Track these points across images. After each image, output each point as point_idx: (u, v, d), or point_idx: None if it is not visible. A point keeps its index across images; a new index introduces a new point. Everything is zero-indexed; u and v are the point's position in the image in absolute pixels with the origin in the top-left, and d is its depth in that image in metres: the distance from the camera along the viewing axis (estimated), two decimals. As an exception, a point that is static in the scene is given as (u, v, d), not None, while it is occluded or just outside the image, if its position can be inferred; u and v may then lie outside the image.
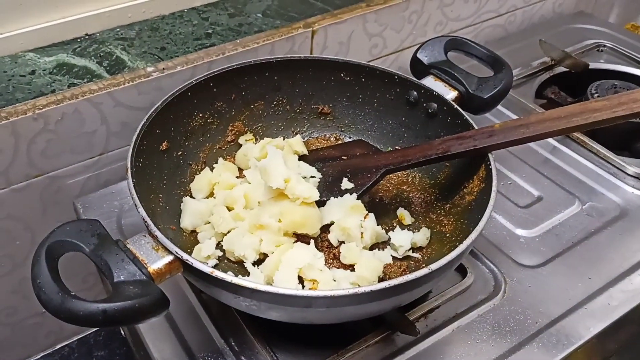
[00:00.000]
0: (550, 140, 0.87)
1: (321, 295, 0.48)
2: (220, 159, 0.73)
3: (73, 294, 0.45)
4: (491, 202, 0.56)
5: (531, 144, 0.86)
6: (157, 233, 0.51)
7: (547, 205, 0.77)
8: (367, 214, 0.65)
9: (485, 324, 0.63)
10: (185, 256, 0.50)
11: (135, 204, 0.54)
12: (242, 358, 0.59)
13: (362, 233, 0.63)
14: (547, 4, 1.16)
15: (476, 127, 0.64)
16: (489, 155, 0.61)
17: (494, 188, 0.57)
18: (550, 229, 0.74)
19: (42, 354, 0.93)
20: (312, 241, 0.62)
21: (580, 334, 0.62)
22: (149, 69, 0.76)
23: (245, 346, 0.60)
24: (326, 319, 0.54)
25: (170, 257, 0.51)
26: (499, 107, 0.91)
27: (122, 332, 0.92)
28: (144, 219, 0.53)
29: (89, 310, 0.44)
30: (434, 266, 0.49)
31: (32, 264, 0.47)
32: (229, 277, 0.48)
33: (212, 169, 0.71)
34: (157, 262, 0.50)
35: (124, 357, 0.94)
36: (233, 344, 0.61)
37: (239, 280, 0.48)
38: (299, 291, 0.48)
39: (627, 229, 0.74)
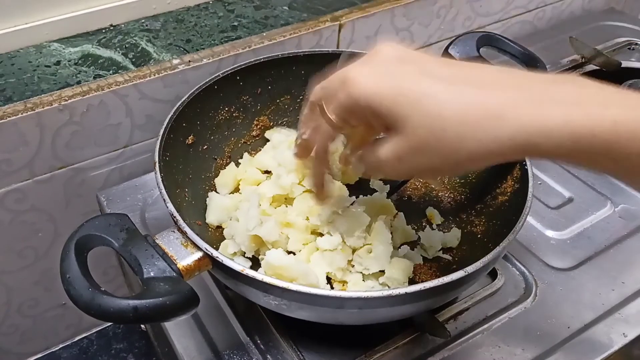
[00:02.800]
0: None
1: (354, 296, 0.47)
2: (246, 154, 0.72)
3: (103, 289, 0.44)
4: (528, 203, 0.54)
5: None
6: (187, 229, 0.50)
7: (578, 207, 0.76)
8: (397, 213, 0.64)
9: (516, 328, 0.61)
10: (215, 253, 0.49)
11: (163, 199, 0.53)
12: (268, 356, 0.58)
13: (391, 232, 0.62)
14: (577, 0, 1.14)
15: (510, 126, 0.62)
16: (525, 155, 0.59)
17: (530, 189, 0.56)
18: (582, 231, 0.72)
19: (61, 346, 0.93)
20: (340, 240, 0.61)
21: (614, 340, 0.61)
22: (175, 61, 0.75)
23: (271, 344, 0.60)
24: (357, 320, 0.53)
25: (199, 254, 0.50)
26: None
27: (143, 326, 0.92)
28: (172, 215, 0.52)
29: (119, 307, 0.43)
30: (470, 269, 0.48)
31: (61, 258, 0.47)
32: (259, 275, 0.47)
33: (237, 163, 0.70)
34: (187, 259, 0.49)
35: (143, 350, 0.94)
36: (259, 341, 0.60)
37: (270, 279, 0.47)
38: (332, 292, 0.47)
39: (661, 232, 0.72)
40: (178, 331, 0.61)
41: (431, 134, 0.36)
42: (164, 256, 0.49)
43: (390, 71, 0.37)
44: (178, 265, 0.49)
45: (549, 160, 0.36)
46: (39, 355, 0.91)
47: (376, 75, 0.38)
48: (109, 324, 0.95)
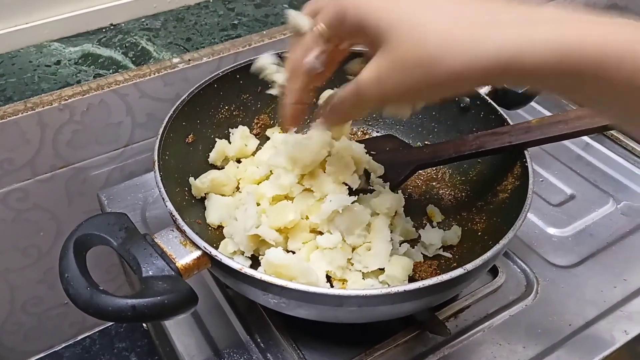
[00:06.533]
0: (583, 136, 0.84)
1: (353, 294, 0.47)
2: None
3: (102, 288, 0.45)
4: (528, 200, 0.54)
5: (564, 141, 0.84)
6: (185, 228, 0.50)
7: (580, 204, 0.75)
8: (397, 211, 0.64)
9: (517, 325, 0.61)
10: (213, 252, 0.49)
11: (162, 198, 0.53)
12: (268, 355, 0.59)
13: (391, 230, 0.62)
14: (579, -4, 1.13)
15: (511, 123, 0.62)
16: (525, 152, 0.59)
17: (530, 186, 0.55)
18: (584, 228, 0.72)
19: (64, 345, 0.93)
20: (340, 238, 0.61)
21: (615, 337, 0.60)
22: (175, 60, 0.75)
23: (272, 342, 0.60)
24: (357, 318, 0.53)
25: (198, 253, 0.50)
26: (534, 104, 0.89)
27: (144, 325, 0.92)
28: (171, 214, 0.52)
29: (118, 306, 0.43)
30: (469, 266, 0.48)
31: (60, 257, 0.47)
32: (258, 273, 0.47)
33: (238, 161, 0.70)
34: (185, 258, 0.49)
35: (145, 349, 0.94)
36: (259, 340, 0.60)
37: (269, 278, 0.47)
38: (331, 290, 0.47)
39: (664, 229, 0.72)
40: (178, 330, 0.61)
41: (412, 47, 0.35)
42: (163, 255, 0.49)
43: None
44: (177, 264, 0.49)
45: (530, 84, 0.35)
46: (43, 354, 0.91)
47: None
48: (112, 323, 0.95)
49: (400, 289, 0.46)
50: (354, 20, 0.38)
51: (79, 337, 0.93)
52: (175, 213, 0.51)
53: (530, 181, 0.56)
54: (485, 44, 0.33)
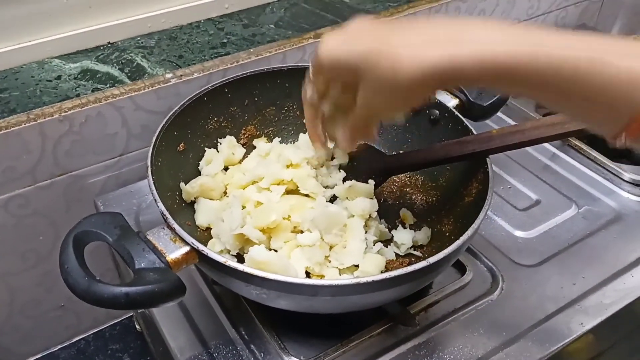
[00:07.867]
0: (549, 147, 0.90)
1: (326, 284, 0.52)
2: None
3: (98, 279, 0.49)
4: (487, 202, 0.59)
5: (531, 151, 0.90)
6: (175, 225, 0.55)
7: (544, 209, 0.81)
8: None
9: (483, 318, 0.66)
10: (200, 247, 0.54)
11: (155, 199, 0.58)
12: (252, 346, 0.63)
13: (366, 231, 0.67)
14: (550, 17, 1.20)
15: (475, 133, 0.67)
16: (487, 159, 0.64)
17: (490, 189, 0.61)
18: (547, 231, 0.77)
19: (59, 347, 0.97)
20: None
21: (572, 329, 0.65)
22: (168, 76, 0.80)
23: (255, 335, 0.64)
24: (331, 308, 0.58)
25: (187, 248, 0.54)
26: (502, 116, 0.95)
27: (137, 326, 0.96)
28: (162, 213, 0.57)
29: (112, 294, 0.48)
30: (432, 259, 0.53)
31: (60, 251, 0.51)
32: (241, 266, 0.52)
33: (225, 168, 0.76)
34: (175, 252, 0.54)
35: (137, 351, 0.98)
36: (243, 333, 0.65)
37: (251, 270, 0.52)
38: (306, 280, 0.52)
39: (621, 231, 0.77)
40: (169, 324, 0.66)
41: (381, 73, 0.43)
42: (154, 250, 0.54)
43: (354, 35, 0.46)
44: (167, 258, 0.53)
45: (467, 84, 0.47)
46: (39, 356, 0.95)
47: (340, 37, 0.47)
48: (106, 325, 0.99)
49: (369, 279, 0.51)
50: (332, 65, 0.48)
51: (74, 339, 0.97)
52: (166, 212, 0.56)
53: (490, 184, 0.61)
54: (426, 57, 0.42)
